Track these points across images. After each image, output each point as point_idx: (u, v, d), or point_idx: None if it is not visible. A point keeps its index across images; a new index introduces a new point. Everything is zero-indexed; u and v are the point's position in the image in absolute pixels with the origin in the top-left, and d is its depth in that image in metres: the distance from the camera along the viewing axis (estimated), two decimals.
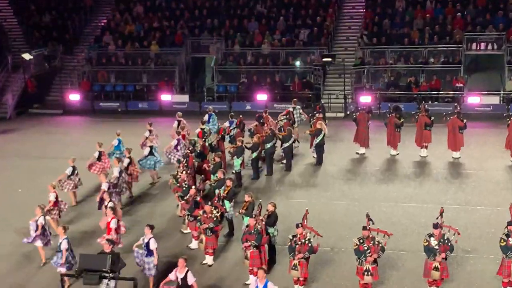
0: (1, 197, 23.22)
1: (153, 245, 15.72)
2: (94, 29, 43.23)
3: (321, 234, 16.19)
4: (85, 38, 42.75)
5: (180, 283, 14.48)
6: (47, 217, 18.61)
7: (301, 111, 28.23)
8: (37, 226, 17.41)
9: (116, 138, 24.38)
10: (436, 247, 14.88)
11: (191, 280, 14.41)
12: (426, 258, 15.14)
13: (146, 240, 15.81)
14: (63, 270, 15.94)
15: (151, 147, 23.61)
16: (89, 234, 19.55)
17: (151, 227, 16.01)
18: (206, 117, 27.67)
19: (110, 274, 12.51)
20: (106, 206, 18.48)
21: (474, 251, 17.69)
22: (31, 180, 24.69)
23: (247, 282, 16.13)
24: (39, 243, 17.58)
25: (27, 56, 37.45)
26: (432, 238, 14.97)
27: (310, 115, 27.67)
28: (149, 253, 15.78)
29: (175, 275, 14.50)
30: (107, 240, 15.43)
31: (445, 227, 15.56)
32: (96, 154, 23.04)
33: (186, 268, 14.51)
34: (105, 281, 14.29)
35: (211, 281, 16.56)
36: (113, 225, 17.09)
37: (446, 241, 14.96)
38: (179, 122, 26.64)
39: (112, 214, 17.35)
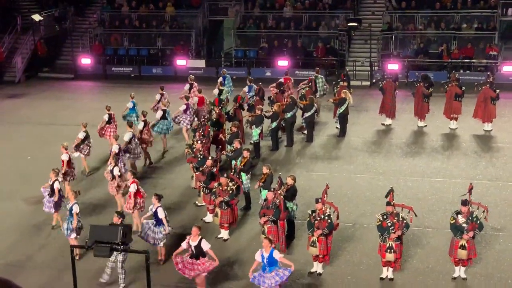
0: (9, 164, 23.48)
1: (161, 214, 15.91)
2: None
3: (340, 211, 16.19)
4: None
5: (193, 251, 14.68)
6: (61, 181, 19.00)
7: (324, 80, 28.07)
8: (53, 190, 17.59)
9: (130, 101, 24.54)
10: (464, 225, 14.85)
11: (205, 246, 14.63)
12: (453, 236, 15.13)
13: (153, 210, 15.99)
14: (73, 236, 16.15)
15: (164, 110, 23.75)
16: (101, 202, 19.78)
17: (159, 197, 16.19)
18: (220, 79, 27.83)
19: (121, 246, 12.64)
20: (111, 171, 18.73)
21: (503, 229, 17.66)
22: (40, 147, 24.93)
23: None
24: (54, 210, 17.81)
25: (37, 17, 37.46)
26: (459, 216, 14.93)
27: (334, 83, 27.58)
28: (158, 222, 15.96)
29: (188, 243, 14.71)
30: (117, 212, 15.60)
31: (474, 204, 15.51)
32: (106, 117, 23.21)
33: (200, 236, 14.71)
34: (114, 253, 14.51)
35: (226, 256, 16.68)
36: (132, 189, 17.29)
37: (475, 219, 14.91)
38: (191, 85, 26.80)
39: (133, 178, 17.55)
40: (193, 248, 14.71)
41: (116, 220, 15.04)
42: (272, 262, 14.10)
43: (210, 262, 14.72)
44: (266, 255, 14.11)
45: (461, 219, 14.89)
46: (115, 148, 20.04)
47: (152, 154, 23.32)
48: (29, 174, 22.08)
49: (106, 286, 15.45)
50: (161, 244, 16.15)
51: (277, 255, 14.15)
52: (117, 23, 40.00)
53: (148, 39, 39.55)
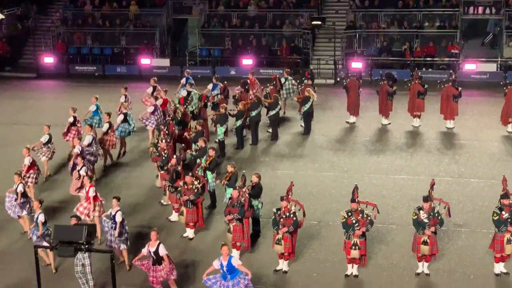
0: None
1: (119, 218, 15.79)
2: None
3: (306, 209, 16.26)
4: None
5: (154, 258, 14.60)
6: (29, 183, 18.95)
7: (293, 82, 27.85)
8: (17, 194, 17.40)
9: (93, 104, 24.21)
10: (426, 220, 15.08)
11: (162, 252, 14.51)
12: (415, 232, 15.34)
13: (113, 213, 15.90)
14: (42, 243, 15.96)
15: (125, 114, 23.48)
16: (64, 204, 19.61)
17: (118, 199, 16.11)
18: (184, 80, 27.62)
19: (86, 246, 12.55)
20: (78, 171, 18.59)
21: (466, 225, 17.94)
22: (2, 148, 24.61)
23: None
24: (23, 213, 17.56)
25: None
26: (421, 212, 15.15)
27: (298, 81, 27.67)
28: (116, 225, 15.88)
29: (148, 249, 14.62)
30: (74, 216, 15.35)
31: (436, 200, 15.76)
32: (71, 120, 22.94)
33: (158, 241, 14.62)
34: (80, 255, 14.39)
35: (192, 255, 16.71)
36: (91, 193, 17.15)
37: (436, 215, 15.15)
38: (154, 88, 26.56)
39: (90, 182, 17.42)
40: (152, 253, 14.59)
41: (74, 222, 14.86)
42: (232, 269, 14.02)
43: (166, 271, 14.59)
44: (224, 263, 14.03)
45: (422, 214, 15.12)
46: (77, 149, 19.83)
47: (116, 154, 23.13)
48: None
49: None
50: (122, 247, 15.99)
51: (235, 261, 14.09)
52: (80, 21, 39.62)
53: (112, 37, 39.25)
